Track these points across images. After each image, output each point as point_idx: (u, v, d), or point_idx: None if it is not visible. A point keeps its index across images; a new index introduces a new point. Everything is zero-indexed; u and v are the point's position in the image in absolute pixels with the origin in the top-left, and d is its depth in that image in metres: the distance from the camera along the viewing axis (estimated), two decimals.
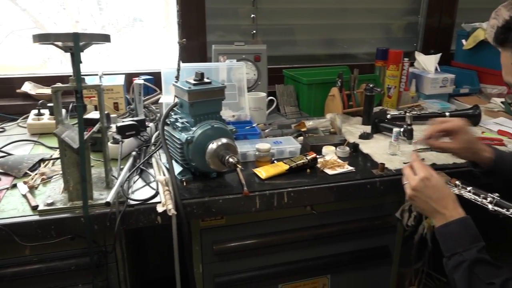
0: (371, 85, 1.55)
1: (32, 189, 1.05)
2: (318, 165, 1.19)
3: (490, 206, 0.95)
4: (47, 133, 1.43)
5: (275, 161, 1.20)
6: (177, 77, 1.28)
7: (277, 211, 1.11)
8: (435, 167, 1.19)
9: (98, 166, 1.19)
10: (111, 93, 1.58)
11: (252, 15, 1.93)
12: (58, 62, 1.88)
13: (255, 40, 1.95)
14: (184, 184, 1.08)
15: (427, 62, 1.95)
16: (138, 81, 1.49)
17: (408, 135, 1.33)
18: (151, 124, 1.41)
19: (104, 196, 0.99)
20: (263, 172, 1.13)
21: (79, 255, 1.01)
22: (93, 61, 1.86)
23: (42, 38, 0.90)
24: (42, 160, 1.22)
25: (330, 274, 1.28)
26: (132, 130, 1.27)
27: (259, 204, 1.06)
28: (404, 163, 1.13)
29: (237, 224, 1.14)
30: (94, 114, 1.34)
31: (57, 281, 1.02)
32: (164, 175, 1.09)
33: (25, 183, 1.07)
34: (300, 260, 1.23)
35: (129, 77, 1.72)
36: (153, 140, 1.32)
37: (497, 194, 0.95)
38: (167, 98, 1.42)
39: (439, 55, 1.95)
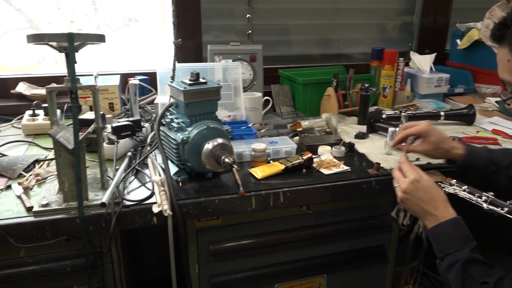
0: (366, 85, 1.55)
1: (26, 190, 1.05)
2: (314, 165, 1.19)
3: (485, 205, 0.95)
4: (42, 134, 1.43)
5: (271, 161, 1.20)
6: (173, 77, 1.28)
7: (273, 211, 1.11)
8: (430, 166, 1.19)
9: (93, 166, 1.18)
10: (106, 94, 1.57)
11: (248, 15, 1.93)
12: (53, 63, 1.87)
13: (249, 40, 1.95)
14: (180, 184, 1.08)
15: (422, 62, 1.96)
16: (134, 81, 1.48)
17: None
18: (146, 125, 1.41)
19: (99, 197, 0.99)
20: (259, 172, 1.13)
21: (74, 256, 1.00)
22: (88, 61, 1.85)
23: (37, 38, 0.89)
24: (37, 161, 1.21)
25: (326, 273, 1.28)
26: (127, 130, 1.27)
27: (255, 204, 1.06)
28: (390, 169, 1.14)
29: (233, 224, 1.14)
30: (89, 115, 1.34)
31: (52, 282, 1.01)
32: (159, 175, 1.08)
33: (19, 184, 1.06)
34: (296, 260, 1.23)
35: (125, 77, 1.71)
36: (148, 141, 1.32)
37: (491, 193, 0.96)
38: (162, 98, 1.42)
39: (434, 55, 1.96)
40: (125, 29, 1.91)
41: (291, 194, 1.09)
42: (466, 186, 1.01)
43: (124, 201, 0.99)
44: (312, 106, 1.70)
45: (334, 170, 1.17)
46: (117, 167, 1.12)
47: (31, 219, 0.93)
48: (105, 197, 0.95)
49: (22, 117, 1.51)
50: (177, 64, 1.26)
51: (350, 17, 2.12)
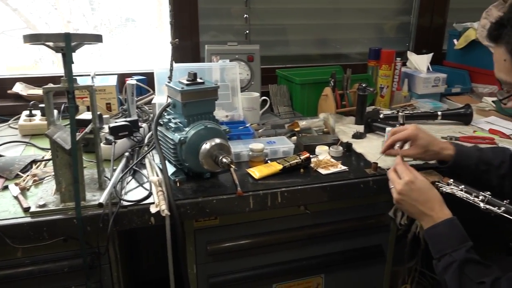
0: (364, 85, 1.55)
1: (23, 190, 1.05)
2: (312, 165, 1.19)
3: (482, 205, 0.95)
4: (38, 134, 1.42)
5: (268, 161, 1.20)
6: (170, 77, 1.28)
7: (270, 211, 1.11)
8: (427, 166, 1.20)
9: (90, 167, 1.18)
10: (104, 94, 1.57)
11: (245, 15, 1.93)
12: (50, 63, 1.86)
13: (247, 40, 1.95)
14: (178, 184, 1.08)
15: (419, 62, 1.96)
16: (131, 81, 1.48)
17: None
18: (144, 125, 1.40)
19: (96, 197, 0.99)
20: (257, 172, 1.13)
21: (72, 257, 1.00)
22: (86, 61, 1.85)
23: (33, 39, 0.89)
24: (34, 162, 1.21)
25: (324, 273, 1.29)
26: (125, 130, 1.27)
27: (253, 204, 1.06)
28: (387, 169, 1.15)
29: (231, 224, 1.14)
30: (86, 115, 1.34)
31: (49, 283, 1.01)
32: (157, 175, 1.08)
33: (16, 184, 1.06)
34: (294, 260, 1.23)
35: (122, 78, 1.71)
36: (146, 141, 1.31)
37: (488, 193, 0.96)
38: (160, 98, 1.42)
39: (431, 55, 1.97)
40: (122, 29, 1.90)
41: (289, 194, 1.09)
42: (463, 186, 1.01)
43: (122, 201, 0.99)
44: (309, 106, 1.70)
45: (332, 170, 1.18)
46: (114, 168, 1.12)
47: (28, 219, 0.93)
48: (102, 197, 0.95)
49: (19, 117, 1.51)
50: (175, 64, 1.26)
51: (348, 17, 2.12)
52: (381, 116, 1.52)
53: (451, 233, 0.91)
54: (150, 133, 1.35)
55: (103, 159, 1.07)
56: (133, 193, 1.05)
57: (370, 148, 1.33)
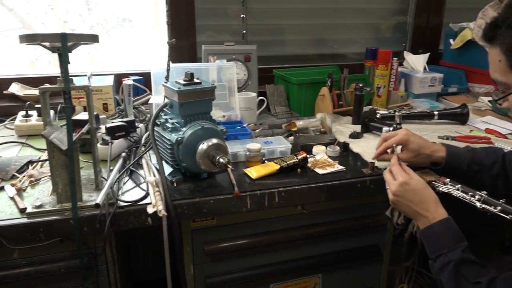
0: (360, 85, 1.56)
1: (20, 191, 1.04)
2: (309, 165, 1.19)
3: (478, 204, 0.96)
4: (35, 135, 1.42)
5: (265, 161, 1.20)
6: (167, 78, 1.27)
7: (268, 211, 1.11)
8: (424, 166, 1.20)
9: (87, 167, 1.18)
10: (100, 94, 1.57)
11: (242, 15, 1.93)
12: (46, 63, 1.86)
13: (244, 40, 1.94)
14: (175, 184, 1.07)
15: (416, 62, 1.97)
16: (128, 81, 1.48)
17: None
18: (141, 125, 1.40)
19: (93, 198, 0.98)
20: (254, 172, 1.13)
21: (68, 258, 1.00)
22: (82, 61, 1.84)
23: (29, 39, 0.89)
24: (30, 162, 1.21)
25: (321, 273, 1.29)
26: (121, 131, 1.27)
27: (250, 204, 1.06)
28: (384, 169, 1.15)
29: (228, 225, 1.14)
30: (83, 115, 1.33)
31: (46, 284, 1.01)
32: (154, 176, 1.08)
33: (12, 185, 1.05)
34: (292, 260, 1.23)
35: (119, 78, 1.71)
36: (143, 141, 1.31)
37: (484, 192, 0.97)
38: (157, 98, 1.41)
39: (427, 55, 1.97)
40: (119, 29, 1.90)
41: (286, 194, 1.09)
42: (460, 185, 1.01)
43: (119, 202, 0.98)
44: (306, 106, 1.70)
45: (329, 169, 1.18)
46: (111, 168, 1.11)
47: (25, 220, 0.93)
48: (99, 198, 0.95)
49: (15, 118, 1.50)
50: (171, 64, 1.25)
51: (344, 17, 2.12)
52: (378, 116, 1.52)
53: (447, 234, 0.92)
54: (147, 133, 1.34)
55: (99, 159, 1.07)
56: (130, 193, 1.05)
57: (367, 148, 1.33)
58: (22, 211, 0.95)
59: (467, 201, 0.98)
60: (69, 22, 1.82)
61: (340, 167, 1.19)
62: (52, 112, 1.29)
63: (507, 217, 0.91)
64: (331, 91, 1.61)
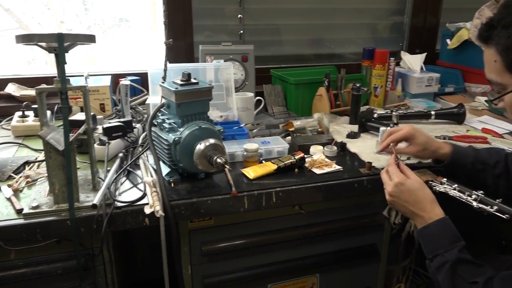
0: (358, 85, 1.56)
1: (16, 192, 1.04)
2: (306, 165, 1.20)
3: (474, 204, 0.96)
4: (31, 135, 1.41)
5: (263, 161, 1.20)
6: (164, 78, 1.27)
7: (265, 211, 1.11)
8: (420, 165, 1.20)
9: (84, 168, 1.17)
10: (97, 94, 1.56)
11: (239, 15, 1.93)
12: (43, 63, 1.85)
13: (241, 40, 1.94)
14: (172, 185, 1.07)
15: (413, 62, 1.97)
16: (125, 81, 1.48)
17: None
18: (138, 125, 1.40)
19: (90, 199, 0.98)
20: (251, 172, 1.13)
21: (65, 259, 0.99)
22: (79, 62, 1.84)
23: (26, 39, 0.89)
24: (27, 163, 1.20)
25: (319, 273, 1.29)
26: (118, 131, 1.26)
27: (248, 204, 1.06)
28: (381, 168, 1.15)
29: (226, 225, 1.13)
30: (80, 116, 1.33)
31: (43, 285, 1.00)
32: (151, 176, 1.08)
33: (9, 186, 1.05)
34: (289, 260, 1.24)
35: (116, 78, 1.70)
36: (140, 141, 1.31)
37: (481, 192, 0.97)
38: (154, 98, 1.41)
39: (424, 55, 1.98)
40: (116, 29, 1.90)
41: (284, 194, 1.09)
42: (456, 185, 1.02)
43: (116, 202, 0.98)
44: (304, 106, 1.70)
45: (326, 169, 1.18)
46: (108, 168, 1.11)
47: (21, 221, 0.92)
48: (96, 198, 0.94)
49: (12, 118, 1.49)
50: (169, 65, 1.25)
51: (342, 17, 2.12)
52: (375, 115, 1.52)
53: (443, 234, 0.92)
54: (144, 133, 1.34)
55: (96, 160, 1.06)
56: (127, 194, 1.04)
57: (364, 147, 1.33)
58: (19, 212, 0.94)
59: (463, 200, 0.98)
60: (66, 22, 1.82)
61: (338, 167, 1.19)
62: (49, 112, 1.29)
63: (504, 216, 0.91)
64: (329, 91, 1.61)
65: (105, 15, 1.86)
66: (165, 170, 1.11)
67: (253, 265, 1.20)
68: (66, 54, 0.91)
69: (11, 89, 1.68)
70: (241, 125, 1.41)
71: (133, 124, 1.37)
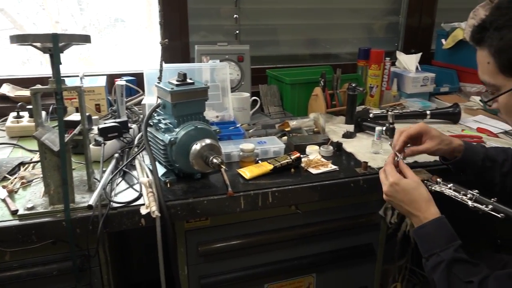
0: (353, 85, 1.56)
1: (11, 193, 1.03)
2: (302, 165, 1.20)
3: (470, 203, 0.96)
4: (26, 136, 1.40)
5: (259, 161, 1.20)
6: (160, 78, 1.27)
7: (262, 211, 1.11)
8: (416, 165, 1.21)
9: (79, 169, 1.17)
10: (93, 95, 1.56)
11: (235, 15, 1.93)
12: (38, 63, 1.84)
13: (237, 41, 1.94)
14: (168, 185, 1.07)
15: (408, 62, 1.98)
16: (120, 82, 1.47)
17: (390, 133, 1.35)
18: (133, 126, 1.40)
19: (86, 199, 0.98)
20: (248, 172, 1.13)
21: (61, 260, 0.99)
22: (76, 62, 1.83)
23: (20, 39, 0.88)
24: (22, 164, 1.20)
25: (315, 273, 1.29)
26: (114, 131, 1.26)
27: (244, 205, 1.06)
28: (378, 168, 1.15)
29: (222, 225, 1.13)
30: (75, 116, 1.32)
31: (39, 286, 1.00)
32: (147, 176, 1.08)
33: (4, 187, 1.05)
34: (286, 260, 1.24)
35: (111, 78, 1.70)
36: (136, 142, 1.31)
37: (476, 191, 0.97)
38: (150, 99, 1.41)
39: (419, 55, 1.99)
40: (112, 29, 1.89)
41: (280, 194, 1.09)
42: (451, 184, 1.02)
43: (112, 203, 0.98)
44: (300, 106, 1.70)
45: (322, 169, 1.18)
46: (104, 169, 1.11)
47: (16, 222, 0.92)
48: (92, 199, 0.94)
49: (6, 119, 1.49)
50: (164, 65, 1.25)
51: (337, 17, 2.13)
52: (371, 115, 1.53)
53: (439, 233, 0.92)
54: (140, 134, 1.34)
55: (92, 160, 1.06)
56: (123, 194, 1.04)
57: (360, 147, 1.34)
58: (14, 213, 0.94)
59: (459, 200, 0.99)
60: (61, 23, 1.81)
61: (334, 167, 1.20)
62: (43, 113, 1.29)
63: (499, 215, 0.92)
64: (324, 91, 1.62)
65: (100, 15, 1.85)
66: (161, 170, 1.11)
67: (249, 265, 1.20)
68: (61, 55, 0.91)
69: (6, 89, 1.67)
70: (237, 125, 1.41)
71: (129, 125, 1.37)
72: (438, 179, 1.05)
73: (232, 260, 1.18)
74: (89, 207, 0.93)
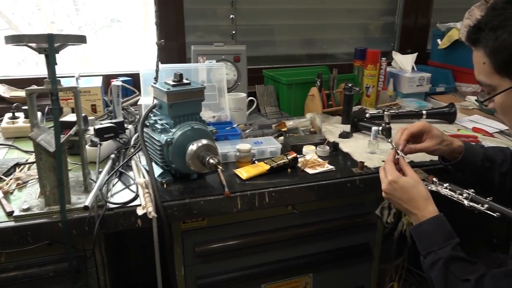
0: (350, 85, 1.57)
1: (7, 194, 1.03)
2: (299, 165, 1.20)
3: (465, 202, 0.97)
4: (22, 137, 1.40)
5: (256, 162, 1.20)
6: (156, 78, 1.27)
7: (258, 211, 1.11)
8: (412, 164, 1.21)
9: (75, 169, 1.17)
10: (89, 95, 1.55)
11: (231, 16, 1.93)
12: (33, 64, 1.84)
13: (233, 41, 1.94)
14: (165, 186, 1.07)
15: (404, 62, 1.98)
16: (116, 82, 1.46)
17: (387, 133, 1.36)
18: (130, 126, 1.39)
19: (82, 200, 0.98)
20: (244, 172, 1.13)
21: (57, 261, 0.99)
22: (71, 62, 1.82)
23: (15, 40, 0.88)
24: (17, 165, 1.19)
25: (312, 272, 1.29)
26: (110, 132, 1.25)
27: (241, 205, 1.06)
28: (383, 160, 1.15)
29: (219, 225, 1.13)
30: (71, 117, 1.32)
31: None
32: (144, 177, 1.07)
33: None
34: (283, 260, 1.24)
35: (107, 79, 1.69)
36: (132, 142, 1.30)
37: (472, 190, 0.98)
38: (146, 99, 1.41)
39: (415, 55, 1.99)
40: (108, 29, 1.88)
41: (276, 194, 1.09)
42: (447, 184, 1.03)
43: (108, 204, 0.98)
44: (296, 106, 1.71)
45: (319, 169, 1.18)
46: (100, 170, 1.10)
47: (12, 224, 0.91)
48: (88, 200, 0.94)
49: (2, 120, 1.48)
50: (161, 65, 1.25)
51: (334, 18, 2.13)
52: (367, 115, 1.53)
53: (437, 231, 0.92)
54: (136, 134, 1.34)
55: (88, 161, 1.06)
56: (120, 195, 1.04)
57: (357, 147, 1.34)
58: (9, 214, 0.94)
59: (455, 199, 0.99)
60: (57, 23, 1.80)
61: (330, 167, 1.20)
62: (39, 113, 1.28)
63: (494, 214, 0.92)
64: (321, 91, 1.62)
65: (96, 16, 1.85)
66: (157, 171, 1.11)
67: (246, 266, 1.20)
68: (57, 55, 0.90)
69: (1, 90, 1.66)
70: (234, 126, 1.41)
71: (125, 125, 1.36)
72: (434, 179, 1.05)
73: (229, 260, 1.18)
74: (85, 208, 0.93)
